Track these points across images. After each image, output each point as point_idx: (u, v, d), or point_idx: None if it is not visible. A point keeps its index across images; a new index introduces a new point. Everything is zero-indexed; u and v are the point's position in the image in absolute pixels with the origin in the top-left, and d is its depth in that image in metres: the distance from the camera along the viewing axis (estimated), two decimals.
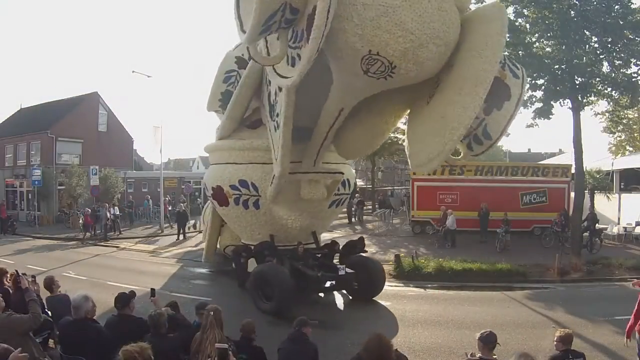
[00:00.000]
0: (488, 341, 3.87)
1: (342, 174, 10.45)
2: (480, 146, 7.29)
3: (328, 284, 9.14)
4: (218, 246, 13.02)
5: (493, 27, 6.23)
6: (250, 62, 9.81)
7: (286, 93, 7.37)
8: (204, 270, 13.06)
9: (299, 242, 10.27)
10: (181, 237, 19.17)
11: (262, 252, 9.95)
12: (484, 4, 7.86)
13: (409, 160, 7.68)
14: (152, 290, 5.04)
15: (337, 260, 10.73)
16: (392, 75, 6.28)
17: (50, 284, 5.84)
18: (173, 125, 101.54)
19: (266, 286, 8.71)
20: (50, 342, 5.29)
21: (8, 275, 5.84)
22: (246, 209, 10.36)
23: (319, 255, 10.57)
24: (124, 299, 4.46)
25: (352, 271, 9.22)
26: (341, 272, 9.07)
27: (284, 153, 8.31)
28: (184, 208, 20.53)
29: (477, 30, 6.37)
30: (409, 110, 8.37)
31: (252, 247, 10.36)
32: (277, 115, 8.31)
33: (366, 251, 11.30)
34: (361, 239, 11.34)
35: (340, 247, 11.09)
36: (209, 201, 17.20)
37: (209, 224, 13.02)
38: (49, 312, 5.40)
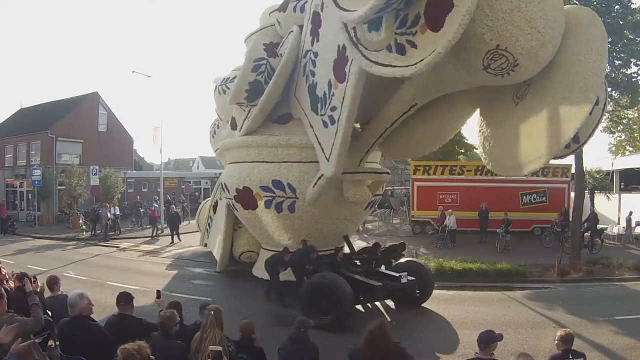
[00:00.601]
0: (487, 340, 3.86)
1: (389, 173, 9.86)
2: (567, 149, 7.06)
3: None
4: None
5: (595, 33, 6.15)
6: (288, 50, 9.21)
7: (354, 85, 6.87)
8: (204, 270, 13.06)
9: (337, 247, 9.68)
10: (175, 239, 18.33)
11: (303, 260, 9.03)
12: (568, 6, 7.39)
13: (490, 162, 7.39)
14: (158, 291, 5.09)
15: (367, 264, 9.84)
16: (510, 73, 6.04)
17: (53, 283, 5.85)
18: (173, 125, 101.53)
19: (323, 299, 7.76)
20: (50, 342, 5.30)
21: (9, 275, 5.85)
22: (279, 212, 9.58)
23: (358, 262, 9.82)
24: (122, 299, 4.47)
25: (413, 278, 8.57)
26: (404, 280, 8.36)
27: (341, 152, 7.68)
28: (175, 209, 19.80)
29: (577, 34, 6.25)
30: (478, 110, 7.94)
31: (291, 255, 9.34)
32: (332, 109, 7.74)
33: (404, 255, 10.64)
34: (402, 244, 10.63)
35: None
36: (204, 202, 16.68)
37: (223, 228, 12.00)
38: (49, 313, 5.40)
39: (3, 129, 31.46)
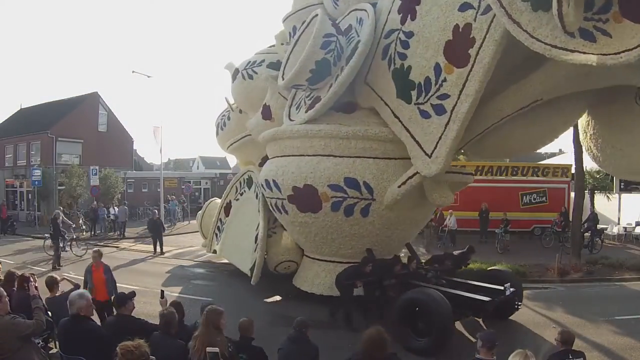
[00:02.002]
0: (487, 341, 3.87)
1: (473, 174, 9.01)
2: None
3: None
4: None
5: None
6: (369, 27, 7.95)
7: (484, 72, 6.16)
8: (204, 270, 13.07)
9: (411, 257, 8.94)
10: (158, 250, 15.78)
11: (385, 274, 7.96)
12: None
13: (611, 167, 6.93)
14: (162, 292, 5.20)
15: (427, 272, 8.71)
16: None
17: (52, 283, 5.86)
18: (173, 125, 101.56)
19: (420, 319, 6.75)
20: (50, 342, 5.31)
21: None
22: (348, 216, 8.26)
23: (429, 272, 8.69)
24: (120, 299, 4.51)
25: (514, 289, 7.71)
26: (508, 292, 7.47)
27: (452, 148, 6.79)
28: (157, 215, 17.23)
29: None
30: (587, 110, 7.27)
31: (369, 268, 7.97)
32: (442, 97, 6.82)
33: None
34: (471, 248, 9.55)
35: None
36: (208, 202, 14.76)
37: (260, 236, 10.20)
38: (49, 313, 5.42)
39: (3, 129, 31.48)
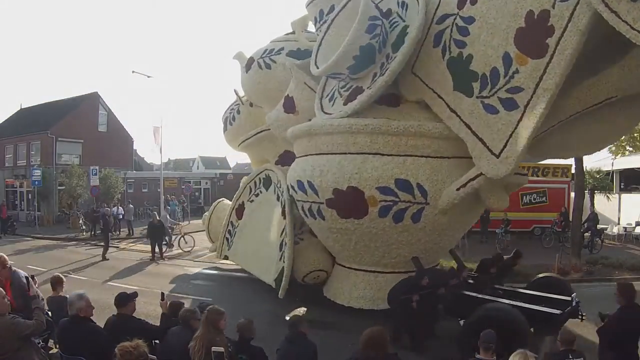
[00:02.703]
0: (486, 341, 3.87)
1: (527, 175, 8.41)
2: None
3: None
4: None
5: None
6: (422, 11, 7.07)
7: (566, 64, 5.65)
8: (203, 271, 13.06)
9: (459, 265, 8.34)
10: (157, 256, 14.52)
11: (439, 286, 7.01)
12: None
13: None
14: (162, 294, 5.21)
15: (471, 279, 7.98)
16: None
17: (57, 283, 5.88)
18: (173, 125, 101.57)
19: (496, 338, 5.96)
20: (50, 342, 5.31)
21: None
22: (397, 222, 7.35)
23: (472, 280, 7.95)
24: (121, 299, 4.52)
25: (578, 300, 6.85)
26: (574, 303, 6.77)
27: (525, 147, 6.13)
28: (158, 218, 15.42)
29: None
30: None
31: (426, 280, 6.98)
32: (513, 90, 6.16)
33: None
34: (517, 253, 8.42)
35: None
36: (215, 203, 13.96)
37: (288, 243, 9.00)
38: (49, 313, 5.42)
39: (3, 129, 31.50)
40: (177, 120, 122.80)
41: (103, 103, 31.10)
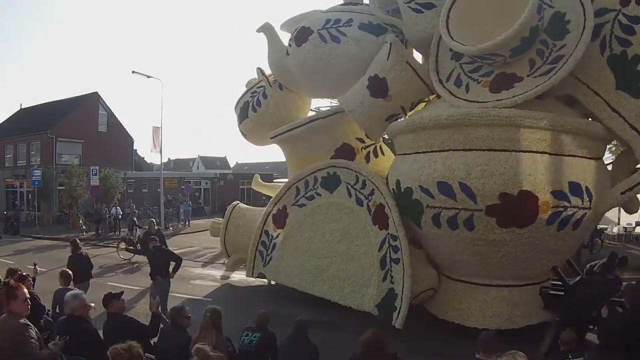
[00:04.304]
0: (485, 341, 3.87)
1: None
2: None
3: None
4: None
5: None
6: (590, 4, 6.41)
7: None
8: (203, 271, 13.07)
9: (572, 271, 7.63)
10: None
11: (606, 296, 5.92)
12: None
13: None
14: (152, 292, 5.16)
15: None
16: None
17: (66, 277, 5.94)
18: (173, 125, 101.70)
19: None
20: (50, 342, 5.31)
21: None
22: (560, 230, 6.51)
23: None
24: (105, 298, 4.57)
25: None
26: None
27: None
28: (155, 225, 11.33)
29: None
30: None
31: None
32: None
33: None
34: (614, 256, 7.15)
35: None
36: (232, 206, 11.26)
37: (406, 261, 7.24)
38: (49, 313, 5.43)
39: (3, 129, 31.54)
40: (177, 120, 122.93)
41: (103, 103, 31.11)
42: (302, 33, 8.93)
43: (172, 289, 10.16)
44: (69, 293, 4.43)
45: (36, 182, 23.66)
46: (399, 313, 7.09)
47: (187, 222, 24.19)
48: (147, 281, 10.96)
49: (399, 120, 8.03)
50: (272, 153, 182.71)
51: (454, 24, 6.81)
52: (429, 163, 6.80)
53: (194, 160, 70.29)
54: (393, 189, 7.62)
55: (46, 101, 34.09)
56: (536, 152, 6.27)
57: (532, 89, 6.32)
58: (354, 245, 8.21)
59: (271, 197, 10.45)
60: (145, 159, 55.71)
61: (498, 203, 6.26)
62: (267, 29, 9.97)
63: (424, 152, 7.00)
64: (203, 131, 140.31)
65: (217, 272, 12.82)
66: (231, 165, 68.62)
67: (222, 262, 13.27)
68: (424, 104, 8.55)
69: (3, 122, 33.54)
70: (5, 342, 3.31)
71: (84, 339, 4.06)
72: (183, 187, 29.53)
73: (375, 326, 3.90)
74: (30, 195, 26.66)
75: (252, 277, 9.91)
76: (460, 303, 7.48)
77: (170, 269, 8.33)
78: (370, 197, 8.09)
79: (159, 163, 25.53)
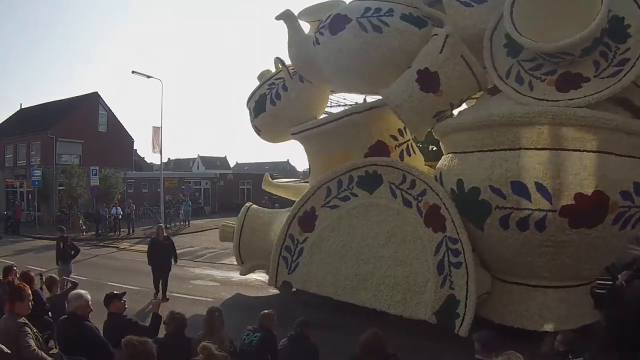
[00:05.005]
0: (485, 341, 3.87)
1: None
2: None
3: None
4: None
5: None
6: None
7: None
8: (203, 271, 13.07)
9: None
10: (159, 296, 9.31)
11: None
12: None
13: None
14: (155, 293, 5.16)
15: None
16: None
17: (51, 284, 5.90)
18: (173, 125, 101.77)
19: None
20: (51, 342, 5.31)
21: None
22: (622, 229, 6.54)
23: None
24: (105, 298, 4.57)
25: None
26: None
27: None
28: (163, 229, 11.23)
29: None
30: None
31: None
32: None
33: None
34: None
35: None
36: (246, 208, 10.20)
37: (469, 264, 6.78)
38: (49, 313, 5.43)
39: (3, 129, 31.54)
40: (177, 120, 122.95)
41: (103, 103, 31.13)
42: (337, 21, 8.10)
43: (172, 289, 10.22)
44: (73, 292, 4.41)
45: (36, 182, 23.65)
46: (462, 320, 6.69)
47: (187, 222, 24.19)
48: (147, 281, 10.99)
49: (453, 116, 7.72)
50: (272, 153, 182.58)
51: (520, 18, 6.57)
52: (500, 162, 6.47)
53: (194, 160, 70.30)
54: (452, 189, 7.15)
55: (46, 101, 34.18)
56: (605, 152, 6.25)
57: (604, 89, 6.24)
58: (402, 250, 7.57)
59: (278, 197, 10.16)
60: (145, 159, 55.70)
61: (573, 203, 6.14)
62: (288, 17, 9.02)
63: (491, 151, 6.65)
64: (203, 131, 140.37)
65: (217, 272, 12.82)
66: (231, 165, 68.65)
67: (222, 262, 13.28)
68: (474, 100, 8.30)
69: (3, 122, 33.54)
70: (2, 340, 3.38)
71: (85, 338, 4.06)
72: (183, 187, 29.54)
73: (374, 327, 3.90)
74: (30, 195, 26.67)
75: (275, 286, 8.97)
76: (511, 305, 7.17)
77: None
78: (420, 198, 7.51)
79: (159, 163, 25.57)
